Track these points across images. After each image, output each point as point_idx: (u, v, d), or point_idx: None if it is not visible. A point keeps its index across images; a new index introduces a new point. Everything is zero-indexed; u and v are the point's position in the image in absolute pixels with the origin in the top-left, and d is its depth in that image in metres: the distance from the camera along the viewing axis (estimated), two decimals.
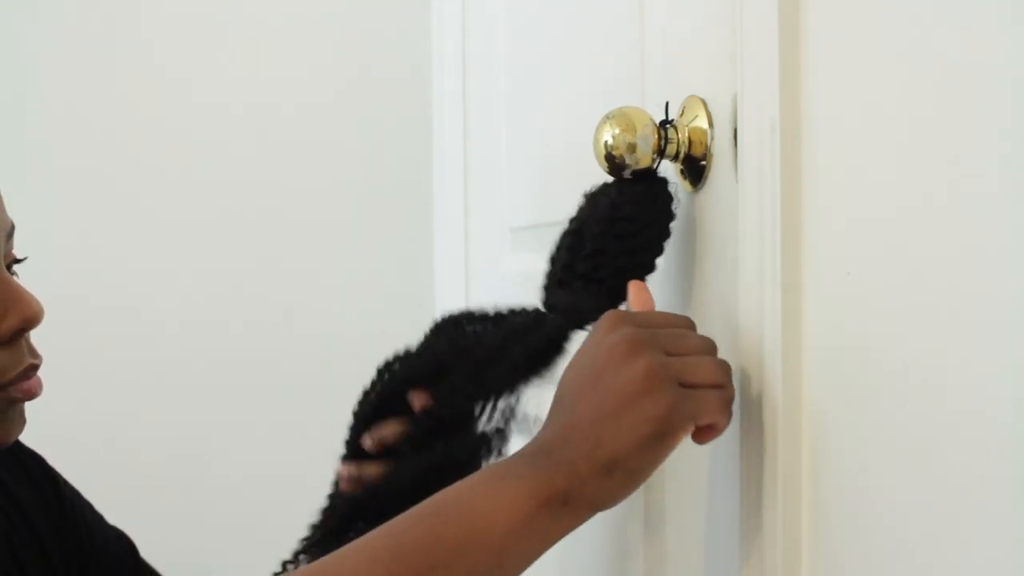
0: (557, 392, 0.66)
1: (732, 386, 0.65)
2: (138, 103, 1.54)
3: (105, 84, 1.53)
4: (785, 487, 0.62)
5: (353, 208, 1.60)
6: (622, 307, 0.70)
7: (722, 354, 0.69)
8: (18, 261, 0.76)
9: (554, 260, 0.74)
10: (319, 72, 1.59)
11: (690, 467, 0.75)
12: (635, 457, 0.61)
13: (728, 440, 0.68)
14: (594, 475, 0.61)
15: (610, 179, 0.73)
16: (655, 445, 0.61)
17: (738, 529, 0.67)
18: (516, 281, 1.26)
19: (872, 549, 0.56)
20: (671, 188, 0.72)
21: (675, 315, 0.68)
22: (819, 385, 0.61)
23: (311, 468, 1.57)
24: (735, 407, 0.67)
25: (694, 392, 0.62)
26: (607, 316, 0.66)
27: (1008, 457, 0.47)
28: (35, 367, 0.73)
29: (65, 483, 0.88)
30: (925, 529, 0.52)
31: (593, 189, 0.75)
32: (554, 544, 0.63)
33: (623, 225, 0.70)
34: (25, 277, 0.76)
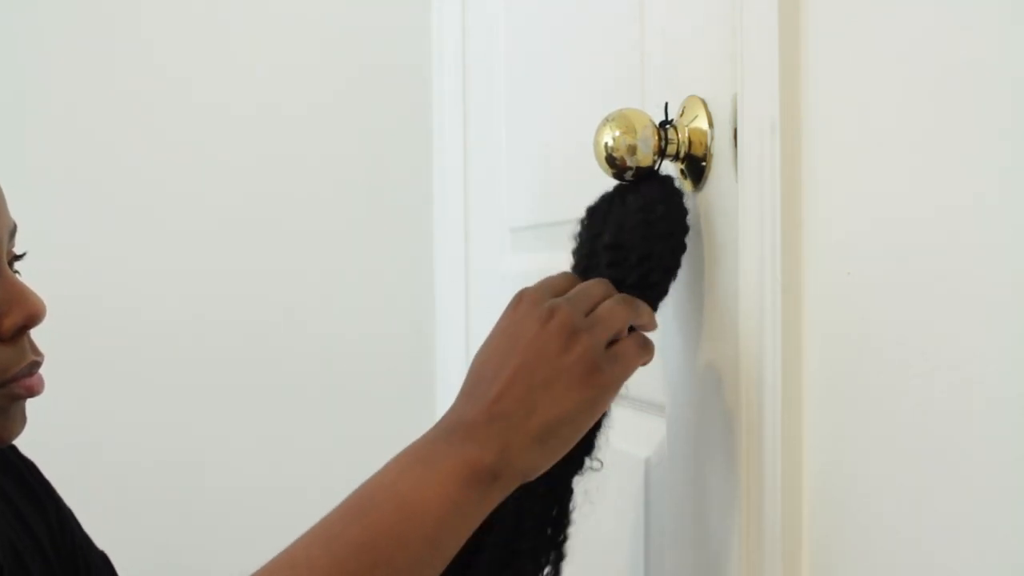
0: (473, 372, 0.65)
1: (646, 316, 0.67)
2: (138, 103, 1.54)
3: (105, 84, 1.53)
4: (785, 486, 0.62)
5: (353, 208, 1.60)
6: None
7: (724, 353, 0.69)
8: (18, 257, 0.76)
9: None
10: (319, 72, 1.59)
11: (690, 465, 0.75)
12: (569, 424, 0.63)
13: (728, 440, 0.68)
14: (528, 445, 0.62)
15: (608, 185, 0.73)
16: (589, 410, 0.63)
17: (739, 529, 0.67)
18: (516, 281, 1.26)
19: (873, 548, 0.56)
20: (676, 184, 0.72)
21: (564, 274, 0.70)
22: (819, 384, 0.61)
23: (311, 468, 1.58)
24: (735, 406, 0.67)
25: (617, 350, 0.64)
26: (518, 294, 0.67)
27: (1008, 457, 0.47)
28: (37, 364, 0.73)
29: (61, 498, 0.87)
30: (925, 527, 0.52)
31: (599, 203, 0.73)
32: (485, 516, 0.62)
33: (663, 224, 0.69)
34: (24, 276, 0.76)
